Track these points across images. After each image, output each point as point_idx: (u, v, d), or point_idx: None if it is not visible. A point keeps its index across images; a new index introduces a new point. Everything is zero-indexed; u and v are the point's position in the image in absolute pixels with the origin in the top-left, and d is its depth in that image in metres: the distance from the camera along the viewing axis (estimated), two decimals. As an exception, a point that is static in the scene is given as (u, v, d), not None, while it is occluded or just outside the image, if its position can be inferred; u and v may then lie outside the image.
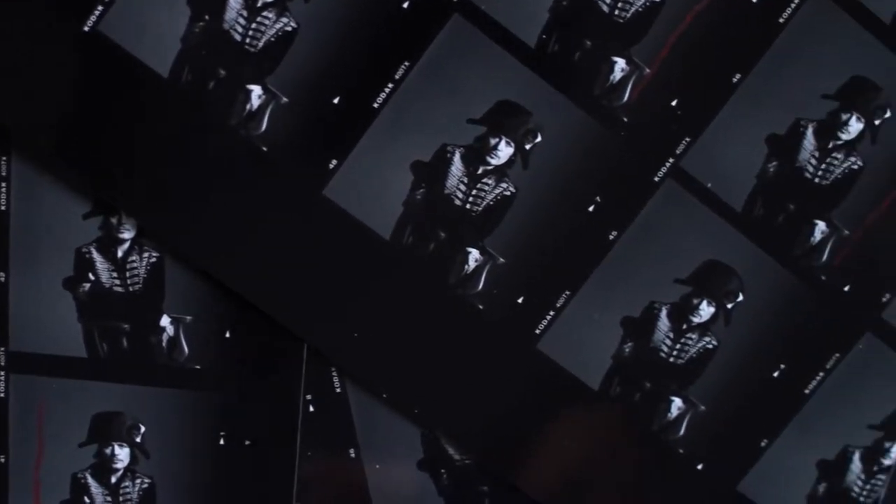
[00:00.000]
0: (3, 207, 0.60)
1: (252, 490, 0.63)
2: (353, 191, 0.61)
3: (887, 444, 0.66)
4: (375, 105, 0.60)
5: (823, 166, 0.63)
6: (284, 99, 0.60)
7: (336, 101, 0.60)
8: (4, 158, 0.60)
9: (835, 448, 0.66)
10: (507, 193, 0.62)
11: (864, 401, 0.66)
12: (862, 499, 0.67)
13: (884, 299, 0.65)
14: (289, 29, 0.59)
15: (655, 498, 0.65)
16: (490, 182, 0.61)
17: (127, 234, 0.61)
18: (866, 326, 0.65)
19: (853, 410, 0.66)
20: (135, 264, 0.61)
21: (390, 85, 0.60)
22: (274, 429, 0.63)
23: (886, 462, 0.66)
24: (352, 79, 0.60)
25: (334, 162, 0.60)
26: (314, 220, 0.61)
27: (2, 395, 0.61)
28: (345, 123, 0.60)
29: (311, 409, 0.63)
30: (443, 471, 0.64)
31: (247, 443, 0.63)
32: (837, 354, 0.65)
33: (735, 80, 0.62)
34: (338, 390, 0.63)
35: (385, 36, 0.60)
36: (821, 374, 0.65)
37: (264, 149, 0.60)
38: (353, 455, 0.64)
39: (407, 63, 0.60)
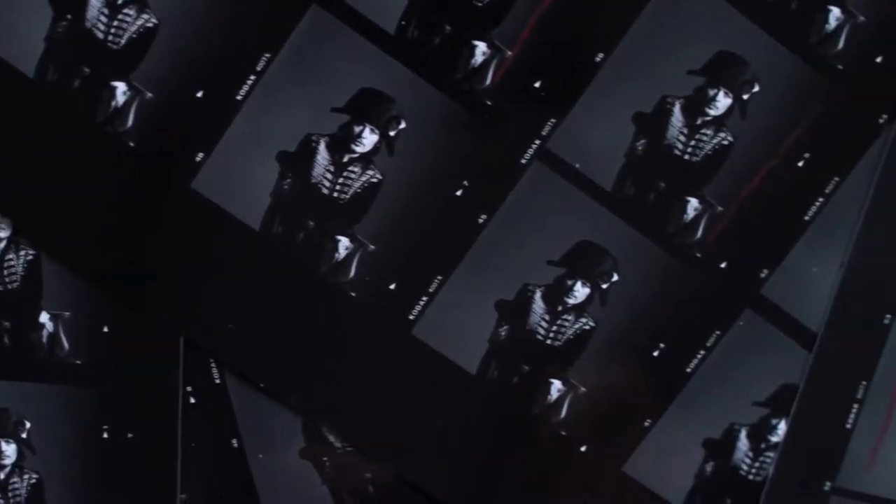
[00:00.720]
0: None
1: (137, 483, 0.63)
2: (220, 183, 0.61)
3: (774, 421, 0.66)
4: (239, 97, 0.61)
5: (693, 143, 0.63)
6: (149, 94, 0.60)
7: (200, 94, 0.61)
8: None
9: (720, 426, 0.66)
10: (374, 181, 0.62)
11: (748, 378, 0.66)
12: (751, 477, 0.67)
13: (762, 275, 0.65)
14: (150, 25, 0.60)
15: (539, 481, 0.65)
16: (356, 170, 0.62)
17: (2, 234, 0.62)
18: (746, 303, 0.65)
19: (737, 388, 0.66)
20: (11, 262, 0.62)
21: (253, 77, 0.61)
22: (155, 421, 0.63)
23: (774, 439, 0.66)
24: (215, 72, 0.61)
25: (201, 155, 0.61)
26: (183, 214, 0.61)
27: None
28: (209, 116, 0.61)
29: (192, 400, 0.63)
30: (325, 459, 0.64)
31: (129, 436, 0.63)
32: (718, 332, 0.65)
33: (598, 59, 0.62)
34: (217, 381, 0.63)
35: (246, 28, 0.60)
36: (702, 352, 0.65)
37: (131, 144, 0.61)
38: (235, 446, 0.64)
39: (268, 55, 0.61)
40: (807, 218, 0.65)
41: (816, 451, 0.67)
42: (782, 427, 0.66)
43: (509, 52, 0.62)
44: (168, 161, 0.61)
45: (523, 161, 0.62)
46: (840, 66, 0.63)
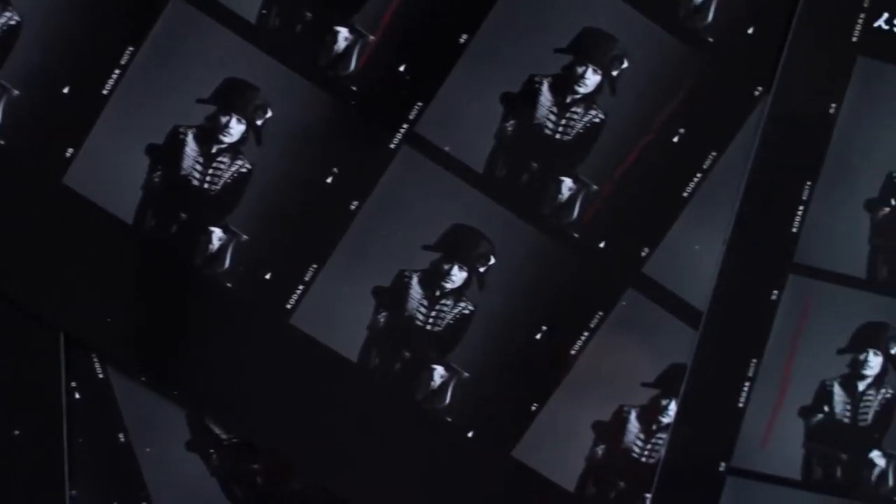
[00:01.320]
0: None
1: (25, 480, 0.64)
2: (92, 178, 0.62)
3: (664, 402, 0.65)
4: (105, 91, 0.61)
5: (563, 122, 0.63)
6: (16, 92, 0.61)
7: (66, 90, 0.61)
8: None
9: (609, 408, 0.65)
10: (244, 170, 0.62)
11: (635, 358, 0.65)
12: (644, 459, 0.66)
13: (643, 253, 0.64)
14: (13, 23, 0.61)
15: (427, 469, 0.64)
16: (225, 160, 0.62)
17: None
18: (627, 282, 0.64)
19: (624, 369, 0.65)
20: None
21: (117, 71, 0.61)
22: (41, 418, 0.64)
23: (665, 420, 0.65)
24: (79, 67, 0.61)
25: (70, 150, 0.61)
26: (56, 210, 0.62)
27: None
28: (77, 112, 0.61)
29: (77, 395, 0.64)
30: (212, 451, 0.64)
31: (16, 433, 0.64)
32: (601, 313, 0.64)
33: (462, 40, 0.62)
34: (100, 376, 0.64)
35: (108, 22, 0.61)
36: (585, 333, 0.64)
37: (1, 143, 0.61)
38: (122, 440, 0.64)
39: (131, 48, 0.61)
40: (685, 194, 0.64)
41: (709, 431, 0.66)
42: (673, 407, 0.65)
43: (372, 37, 0.62)
44: (38, 157, 0.61)
45: (392, 146, 0.62)
46: (710, 39, 0.63)
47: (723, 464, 0.66)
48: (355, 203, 0.62)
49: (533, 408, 0.65)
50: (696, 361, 0.65)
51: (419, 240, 0.63)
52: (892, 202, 0.65)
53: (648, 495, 0.66)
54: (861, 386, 0.67)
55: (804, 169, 0.64)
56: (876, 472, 0.67)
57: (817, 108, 0.64)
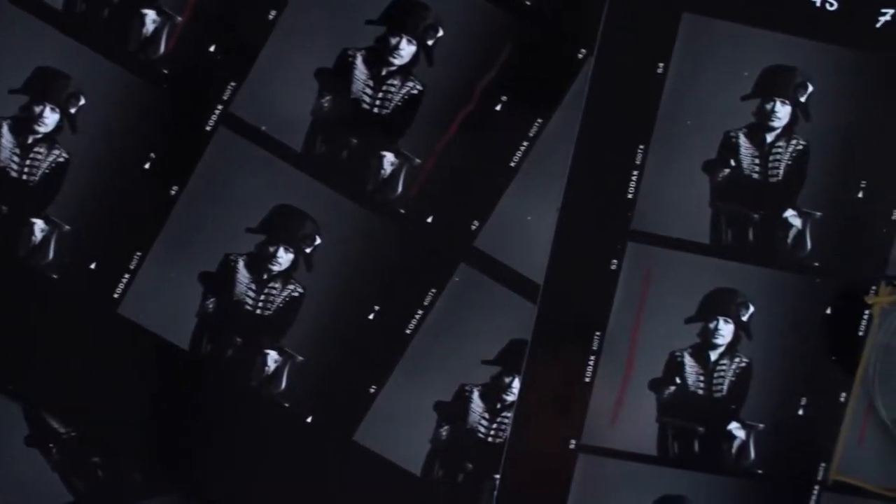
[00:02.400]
0: None
1: None
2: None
3: (507, 379, 0.63)
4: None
5: (381, 95, 0.61)
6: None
7: None
8: None
9: (451, 388, 0.64)
10: (61, 160, 0.62)
11: (474, 336, 0.63)
12: (490, 439, 0.64)
13: (473, 227, 0.62)
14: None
15: (267, 456, 0.63)
16: (42, 150, 0.62)
17: None
18: (459, 257, 0.63)
19: (463, 347, 0.63)
20: None
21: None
22: None
23: (509, 398, 0.64)
24: None
25: None
26: None
27: None
28: None
29: (-87, 395, 0.63)
30: (51, 445, 0.64)
31: None
32: (434, 290, 0.63)
33: (271, 17, 0.61)
34: (-65, 374, 0.63)
35: None
36: (419, 312, 0.63)
37: None
38: (-38, 438, 0.64)
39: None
40: (513, 164, 0.62)
41: (556, 407, 0.64)
42: (517, 385, 0.63)
43: (179, 18, 0.61)
44: None
45: (208, 128, 0.61)
46: (528, 2, 0.61)
47: (573, 441, 0.64)
48: (175, 188, 0.61)
49: (371, 390, 0.63)
50: (536, 336, 0.63)
51: (243, 222, 0.62)
52: (732, 163, 0.62)
53: (498, 476, 0.64)
54: (713, 356, 0.64)
55: (636, 132, 0.62)
56: (736, 444, 0.65)
57: (644, 68, 0.62)
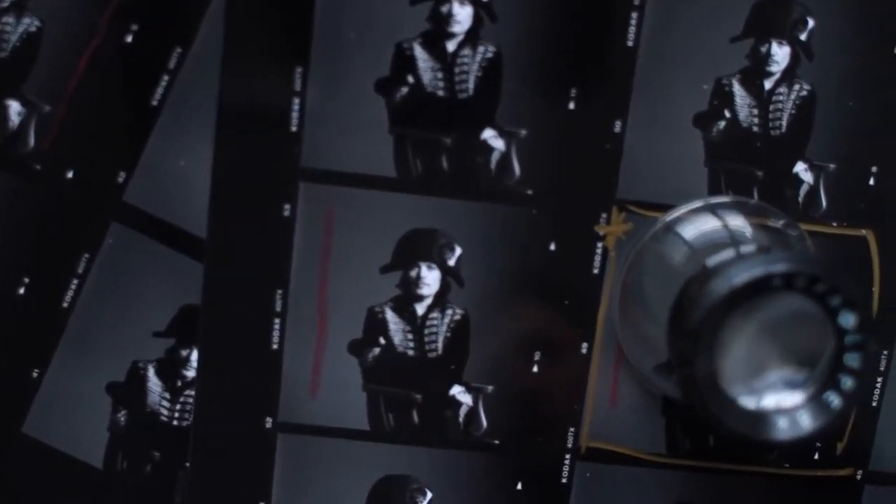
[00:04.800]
0: None
1: None
2: None
3: (183, 353, 0.55)
4: None
5: (-4, 36, 0.53)
6: None
7: None
8: None
9: (123, 366, 0.55)
10: None
11: (140, 304, 0.55)
12: (175, 422, 0.56)
13: (119, 179, 0.54)
14: None
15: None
16: None
17: None
18: (109, 215, 0.54)
19: (130, 317, 0.55)
20: None
21: None
22: None
23: (189, 374, 0.55)
24: None
25: None
26: None
27: None
28: None
29: None
30: None
31: None
32: (87, 255, 0.54)
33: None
34: None
35: None
36: (75, 281, 0.54)
37: None
38: None
39: None
40: (155, 102, 0.53)
41: (244, 381, 0.55)
42: (195, 358, 0.55)
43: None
44: None
45: None
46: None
47: (269, 419, 0.55)
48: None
49: (35, 374, 0.55)
50: (208, 300, 0.54)
51: None
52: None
53: (188, 464, 0.55)
54: (420, 309, 0.55)
55: (292, 53, 0.52)
56: (462, 411, 0.55)
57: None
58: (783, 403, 0.44)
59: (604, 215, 0.53)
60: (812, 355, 0.44)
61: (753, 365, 0.44)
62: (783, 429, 0.44)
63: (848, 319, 0.43)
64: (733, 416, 0.44)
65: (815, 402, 0.44)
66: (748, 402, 0.44)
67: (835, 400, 0.44)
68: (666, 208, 0.52)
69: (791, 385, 0.44)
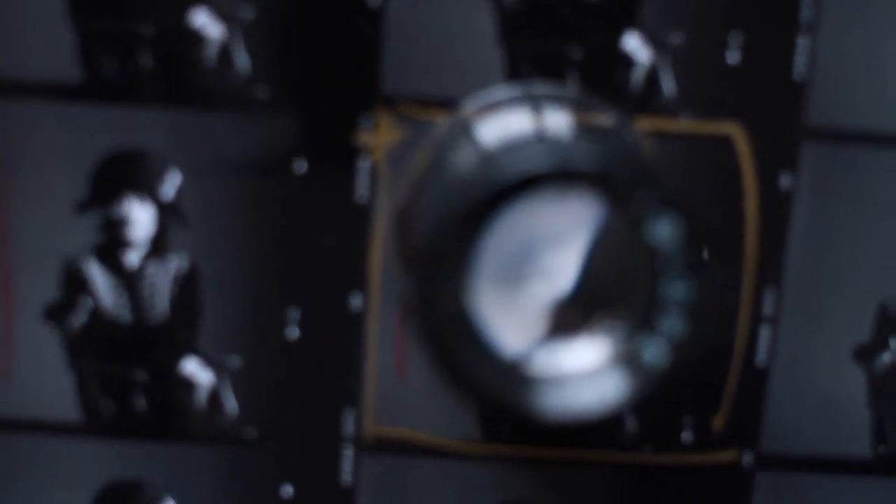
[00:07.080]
0: None
1: None
2: None
3: None
4: None
5: None
6: None
7: None
8: None
9: None
10: None
11: None
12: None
13: None
14: None
15: None
16: None
17: None
18: None
19: None
20: None
21: None
22: None
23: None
24: None
25: None
26: None
27: None
28: None
29: None
30: None
31: None
32: None
33: None
34: None
35: None
36: None
37: None
38: None
39: None
40: None
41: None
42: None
43: None
44: None
45: None
46: None
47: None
48: None
49: None
50: None
51: None
52: None
53: None
54: (132, 257, 0.40)
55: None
56: (202, 392, 0.41)
57: None
58: (578, 362, 0.30)
59: (368, 119, 0.38)
60: (622, 292, 0.30)
61: (529, 304, 0.30)
62: (573, 396, 0.30)
63: (663, 230, 0.29)
64: (494, 377, 0.30)
65: (625, 357, 0.30)
66: (521, 359, 0.30)
67: (653, 353, 0.30)
68: (452, 105, 0.38)
69: (592, 335, 0.30)
